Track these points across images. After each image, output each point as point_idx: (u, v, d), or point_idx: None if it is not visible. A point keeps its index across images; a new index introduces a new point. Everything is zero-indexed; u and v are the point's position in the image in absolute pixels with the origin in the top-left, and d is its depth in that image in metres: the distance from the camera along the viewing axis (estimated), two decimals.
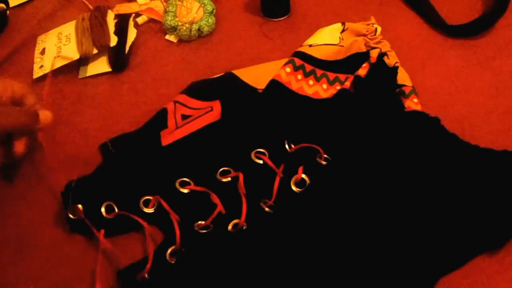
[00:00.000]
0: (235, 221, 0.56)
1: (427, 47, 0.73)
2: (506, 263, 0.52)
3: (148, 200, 0.58)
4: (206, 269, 0.53)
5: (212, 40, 0.78)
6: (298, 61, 0.68)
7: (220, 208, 0.56)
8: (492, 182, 0.55)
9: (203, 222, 0.56)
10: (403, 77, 0.65)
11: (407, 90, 0.64)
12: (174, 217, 0.56)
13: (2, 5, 0.85)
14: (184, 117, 0.65)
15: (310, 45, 0.69)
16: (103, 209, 0.57)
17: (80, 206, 0.57)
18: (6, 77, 0.62)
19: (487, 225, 0.53)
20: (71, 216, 0.57)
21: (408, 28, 0.76)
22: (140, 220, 0.56)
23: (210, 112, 0.64)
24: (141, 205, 0.58)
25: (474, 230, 0.53)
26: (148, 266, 0.52)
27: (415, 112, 0.62)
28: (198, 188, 0.58)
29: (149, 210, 0.57)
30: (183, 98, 0.67)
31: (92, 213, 0.57)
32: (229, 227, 0.56)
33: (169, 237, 0.55)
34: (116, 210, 0.57)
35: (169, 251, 0.54)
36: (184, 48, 0.78)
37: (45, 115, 0.59)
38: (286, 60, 0.68)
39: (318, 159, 0.59)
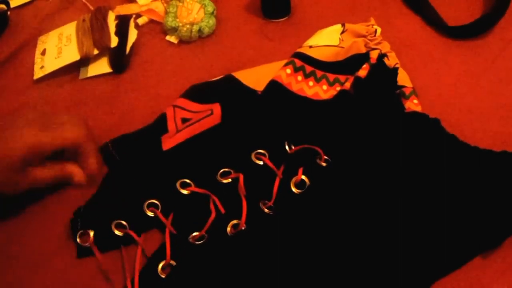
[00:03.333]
0: (235, 221, 0.56)
1: (427, 48, 0.73)
2: (507, 263, 0.53)
3: (152, 203, 0.58)
4: (200, 280, 0.53)
5: (213, 41, 0.78)
6: (298, 62, 0.67)
7: (214, 215, 0.56)
8: (491, 183, 0.55)
9: (197, 233, 0.56)
10: (403, 78, 0.65)
11: (407, 91, 0.64)
12: (169, 229, 0.56)
13: (3, 6, 0.85)
14: (184, 120, 0.65)
15: (310, 46, 0.69)
16: (115, 230, 0.57)
17: (91, 232, 0.57)
18: (67, 117, 0.60)
19: (486, 226, 0.53)
20: (80, 243, 0.57)
21: (409, 29, 0.76)
22: (135, 236, 0.56)
23: (210, 116, 0.64)
24: (145, 208, 0.58)
25: (474, 230, 0.53)
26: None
27: (415, 113, 0.62)
28: (199, 190, 0.58)
29: (151, 214, 0.58)
30: (183, 102, 0.67)
31: (102, 233, 0.57)
32: (228, 228, 0.56)
33: (162, 249, 0.55)
34: (127, 225, 0.57)
35: (160, 265, 0.54)
36: (185, 49, 0.78)
37: (78, 176, 0.60)
38: (285, 62, 0.68)
39: (318, 161, 0.59)
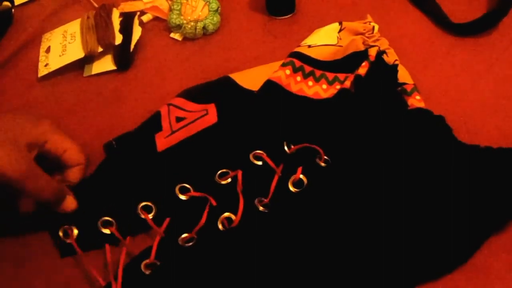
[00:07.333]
0: (228, 215, 0.56)
1: (431, 45, 0.73)
2: (508, 264, 0.52)
3: (146, 206, 0.57)
4: (185, 278, 0.52)
5: (217, 38, 0.78)
6: (297, 63, 0.67)
7: (203, 222, 0.56)
8: (490, 180, 0.55)
9: (187, 235, 0.55)
10: (403, 75, 0.65)
11: (408, 88, 0.64)
12: (159, 233, 0.55)
13: (7, 3, 0.85)
14: (179, 119, 0.64)
15: (309, 46, 0.69)
16: (102, 228, 0.56)
17: (75, 229, 0.56)
18: (75, 143, 0.60)
19: (486, 224, 0.53)
20: (62, 239, 0.56)
21: (413, 26, 0.75)
22: (119, 236, 0.55)
23: (206, 116, 0.64)
24: (139, 210, 0.57)
25: (474, 228, 0.53)
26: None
27: (419, 110, 0.62)
28: (197, 194, 0.58)
29: (144, 217, 0.57)
30: (178, 100, 0.67)
31: (87, 231, 0.57)
32: (220, 225, 0.55)
33: (148, 249, 0.54)
34: (115, 223, 0.56)
35: (143, 263, 0.53)
36: (189, 46, 0.78)
37: (70, 202, 0.57)
38: (281, 62, 0.68)
39: (317, 160, 0.58)
